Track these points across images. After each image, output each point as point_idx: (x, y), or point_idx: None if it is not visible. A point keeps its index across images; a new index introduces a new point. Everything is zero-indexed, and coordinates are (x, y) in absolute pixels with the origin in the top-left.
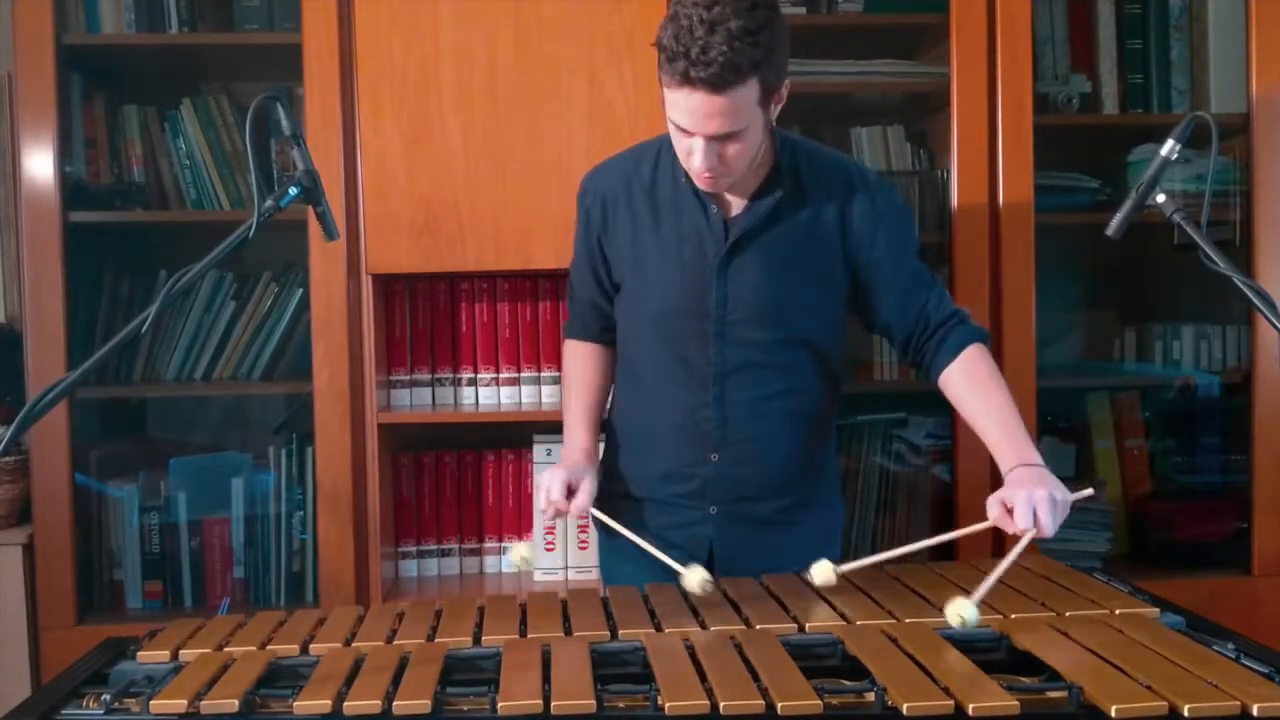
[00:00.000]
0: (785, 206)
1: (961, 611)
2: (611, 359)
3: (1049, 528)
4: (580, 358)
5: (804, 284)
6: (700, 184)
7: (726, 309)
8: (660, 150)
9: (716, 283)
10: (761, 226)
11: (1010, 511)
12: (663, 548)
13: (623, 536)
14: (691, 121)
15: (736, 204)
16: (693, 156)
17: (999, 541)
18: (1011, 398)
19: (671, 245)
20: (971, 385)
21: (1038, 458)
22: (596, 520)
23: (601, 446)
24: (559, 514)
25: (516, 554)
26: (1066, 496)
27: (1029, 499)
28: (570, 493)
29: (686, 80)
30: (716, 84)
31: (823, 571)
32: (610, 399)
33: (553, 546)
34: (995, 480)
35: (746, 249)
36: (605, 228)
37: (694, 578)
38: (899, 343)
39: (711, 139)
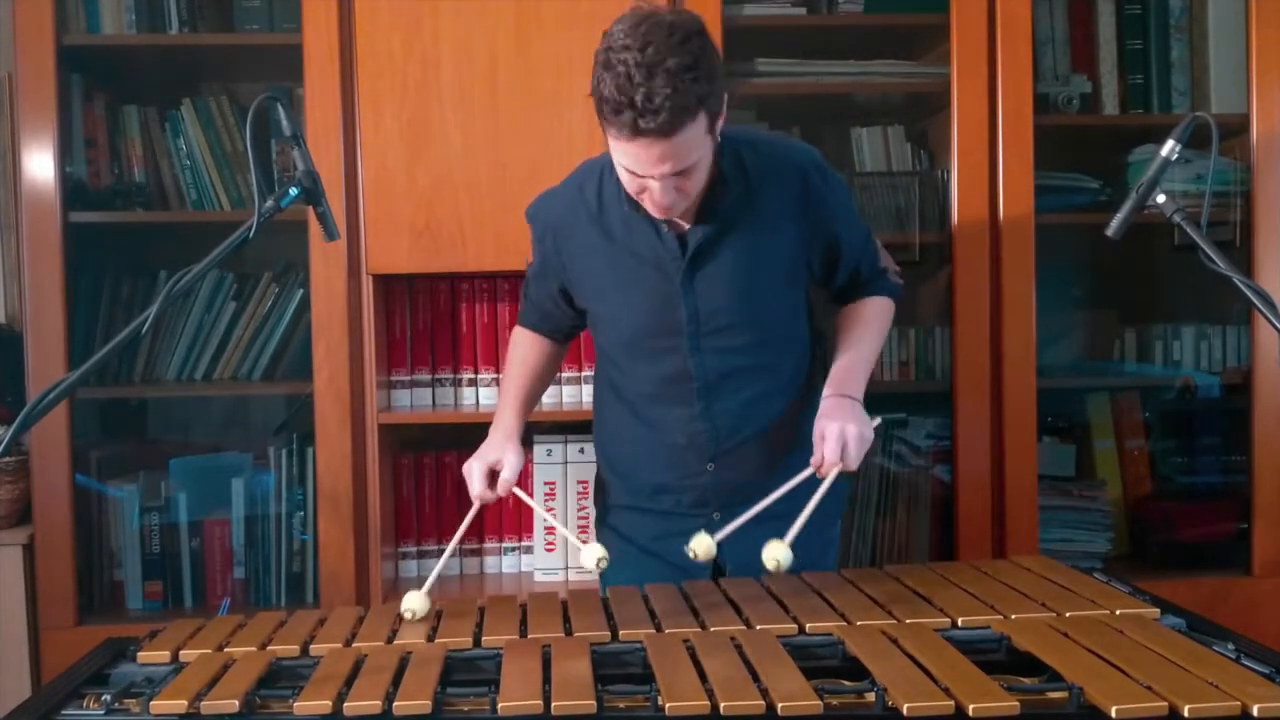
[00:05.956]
0: (738, 207)
1: (777, 554)
2: (557, 354)
3: (854, 463)
4: (526, 343)
5: (771, 279)
6: (656, 215)
7: (700, 322)
8: (603, 172)
9: (684, 299)
10: (717, 234)
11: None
12: (672, 554)
13: (622, 540)
14: (644, 168)
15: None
16: (648, 194)
17: (998, 542)
18: (879, 345)
19: (630, 268)
20: (851, 319)
21: (856, 391)
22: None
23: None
24: (486, 501)
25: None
26: (870, 432)
27: (841, 433)
28: (494, 475)
29: (636, 132)
30: (666, 129)
31: (703, 545)
32: (595, 421)
33: (553, 547)
34: (995, 480)
35: (707, 259)
36: (561, 258)
37: (590, 554)
38: (840, 291)
39: (667, 177)
